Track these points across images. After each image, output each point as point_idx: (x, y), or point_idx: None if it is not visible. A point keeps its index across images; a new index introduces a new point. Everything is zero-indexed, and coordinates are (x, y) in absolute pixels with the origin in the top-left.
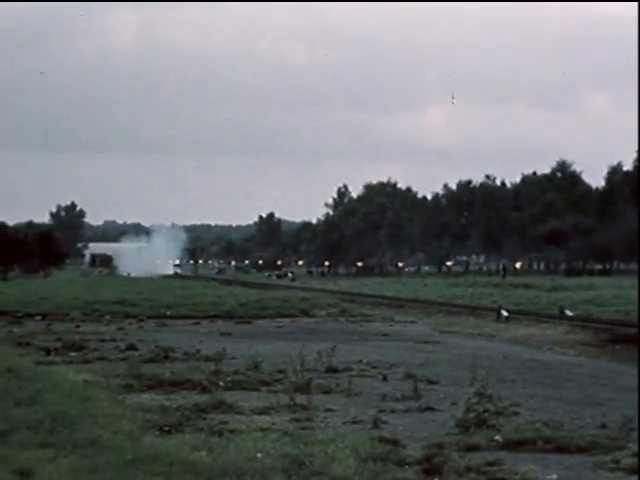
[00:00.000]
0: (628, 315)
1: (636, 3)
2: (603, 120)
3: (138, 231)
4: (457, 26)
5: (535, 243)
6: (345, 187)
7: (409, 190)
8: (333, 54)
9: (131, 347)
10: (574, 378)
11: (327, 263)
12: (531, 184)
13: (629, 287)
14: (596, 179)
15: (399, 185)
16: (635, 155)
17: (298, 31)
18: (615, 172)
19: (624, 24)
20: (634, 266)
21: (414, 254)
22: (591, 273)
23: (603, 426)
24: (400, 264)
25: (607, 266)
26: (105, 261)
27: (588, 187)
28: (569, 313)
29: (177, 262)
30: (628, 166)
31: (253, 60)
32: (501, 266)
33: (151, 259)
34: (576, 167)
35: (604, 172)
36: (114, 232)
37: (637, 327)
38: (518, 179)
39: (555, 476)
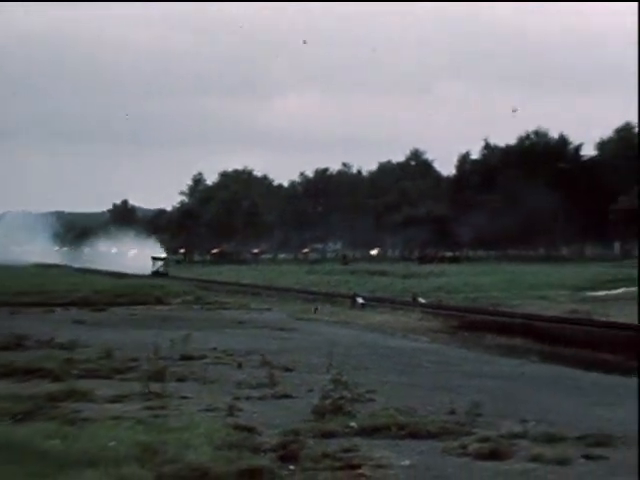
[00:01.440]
0: (475, 302)
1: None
2: (455, 108)
3: None
4: (308, 14)
5: (390, 230)
6: (200, 174)
7: (265, 178)
8: (185, 39)
9: None
10: (426, 365)
11: (182, 250)
12: (387, 172)
13: (478, 274)
14: (448, 167)
15: (255, 173)
16: (483, 143)
17: (143, 16)
18: (464, 161)
19: (477, 13)
20: (481, 253)
21: (270, 241)
22: (442, 260)
23: (452, 412)
24: (256, 251)
25: (457, 253)
26: None
27: (439, 175)
28: (422, 300)
29: (162, 255)
30: (475, 155)
31: (101, 46)
32: (341, 254)
33: (4, 246)
34: (429, 156)
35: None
36: None
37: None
38: (375, 167)
39: (408, 462)
